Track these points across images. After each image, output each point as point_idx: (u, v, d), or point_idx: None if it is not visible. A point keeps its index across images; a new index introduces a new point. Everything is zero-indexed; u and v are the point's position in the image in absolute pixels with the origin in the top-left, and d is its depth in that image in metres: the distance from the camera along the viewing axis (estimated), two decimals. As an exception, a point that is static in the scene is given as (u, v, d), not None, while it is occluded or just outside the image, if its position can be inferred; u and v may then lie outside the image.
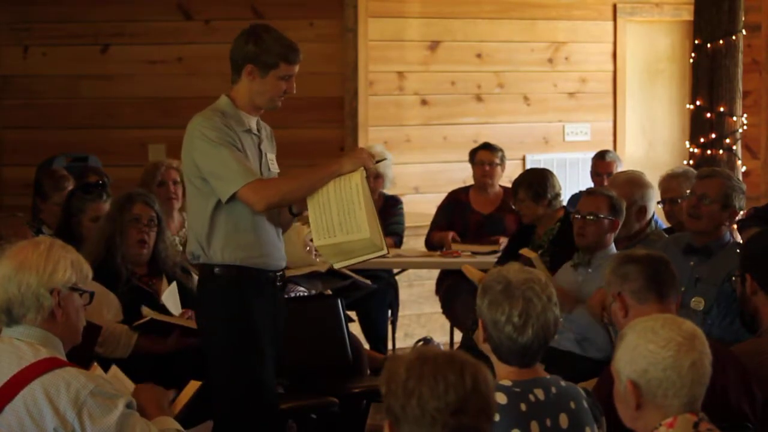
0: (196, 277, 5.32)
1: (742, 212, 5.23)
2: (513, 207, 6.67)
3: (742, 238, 5.01)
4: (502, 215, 7.54)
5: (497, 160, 7.62)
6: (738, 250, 4.90)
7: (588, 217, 5.33)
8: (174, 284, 5.10)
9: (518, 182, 6.39)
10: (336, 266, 4.50)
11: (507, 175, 8.05)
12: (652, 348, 2.73)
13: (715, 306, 4.90)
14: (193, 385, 3.48)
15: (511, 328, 3.10)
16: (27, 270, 3.17)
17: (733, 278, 4.31)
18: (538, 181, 6.28)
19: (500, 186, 7.68)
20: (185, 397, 3.45)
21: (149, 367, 4.57)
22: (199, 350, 4.68)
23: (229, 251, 4.37)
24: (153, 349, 4.82)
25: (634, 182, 5.99)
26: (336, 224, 4.23)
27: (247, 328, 4.38)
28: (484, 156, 7.63)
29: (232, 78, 4.45)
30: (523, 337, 3.10)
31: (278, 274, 4.50)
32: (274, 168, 4.56)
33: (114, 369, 3.55)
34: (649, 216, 5.94)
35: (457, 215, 7.63)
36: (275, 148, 4.66)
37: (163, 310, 4.98)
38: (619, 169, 7.68)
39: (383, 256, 4.59)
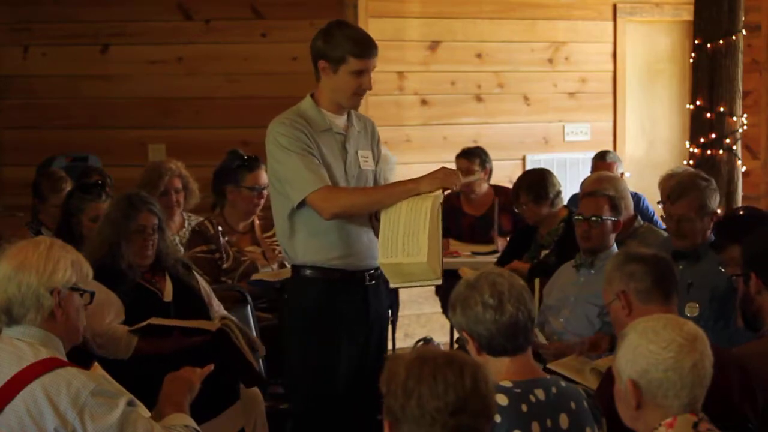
0: (197, 274, 5.34)
1: (707, 231, 5.11)
2: (508, 207, 6.66)
3: (722, 259, 4.88)
4: (494, 216, 7.51)
5: (475, 167, 7.51)
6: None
7: (592, 219, 5.31)
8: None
9: (518, 186, 6.37)
10: (392, 286, 4.45)
11: (507, 175, 8.06)
12: (653, 348, 2.74)
13: (708, 309, 4.88)
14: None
15: (491, 312, 3.14)
16: (27, 270, 3.17)
17: (734, 277, 4.29)
18: (537, 182, 6.27)
19: (490, 186, 7.62)
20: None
21: (152, 369, 4.56)
22: (201, 349, 4.68)
23: (311, 252, 4.39)
24: (154, 351, 4.80)
25: (603, 179, 6.03)
26: (400, 245, 4.20)
27: (322, 328, 4.40)
28: (461, 164, 7.50)
29: (316, 76, 4.49)
30: (504, 314, 3.14)
31: (367, 273, 4.47)
32: (367, 165, 4.55)
33: (95, 366, 3.53)
34: (631, 208, 5.95)
35: (450, 219, 7.57)
36: (375, 142, 4.65)
37: (167, 312, 4.96)
38: (620, 170, 7.68)
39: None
